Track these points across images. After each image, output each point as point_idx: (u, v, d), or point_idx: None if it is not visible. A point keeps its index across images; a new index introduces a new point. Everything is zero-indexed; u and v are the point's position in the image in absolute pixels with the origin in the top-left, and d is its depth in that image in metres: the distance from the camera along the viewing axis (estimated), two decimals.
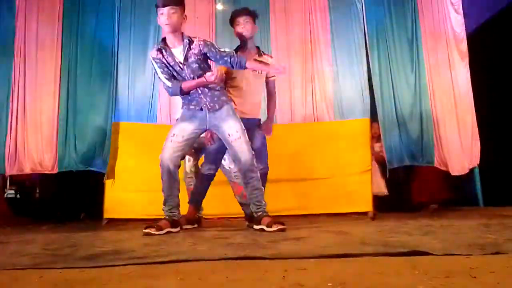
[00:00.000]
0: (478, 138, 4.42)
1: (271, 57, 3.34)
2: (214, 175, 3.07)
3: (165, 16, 2.67)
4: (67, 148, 4.10)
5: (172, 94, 2.88)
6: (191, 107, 2.81)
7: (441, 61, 4.59)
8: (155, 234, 2.52)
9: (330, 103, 4.46)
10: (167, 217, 2.74)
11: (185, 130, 2.76)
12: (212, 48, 2.75)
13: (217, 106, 2.77)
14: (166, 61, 2.75)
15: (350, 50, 4.48)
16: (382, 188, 4.53)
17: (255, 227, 2.67)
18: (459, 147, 4.41)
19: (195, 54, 2.73)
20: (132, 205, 3.96)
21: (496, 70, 4.90)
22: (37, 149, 4.08)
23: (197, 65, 2.75)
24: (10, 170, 4.05)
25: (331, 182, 4.07)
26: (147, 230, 2.54)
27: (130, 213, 3.94)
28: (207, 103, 2.77)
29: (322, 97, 4.48)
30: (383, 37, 4.54)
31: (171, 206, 2.76)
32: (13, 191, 6.38)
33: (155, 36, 4.49)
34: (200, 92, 2.77)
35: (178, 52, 2.74)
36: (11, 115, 4.10)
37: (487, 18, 5.16)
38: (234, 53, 2.79)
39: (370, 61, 4.32)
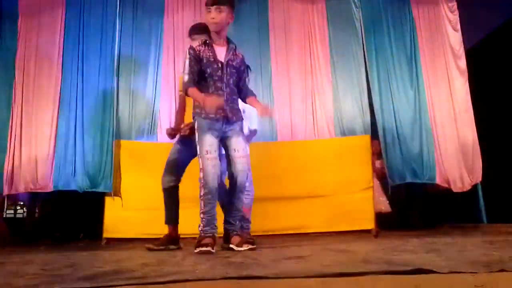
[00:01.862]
0: (480, 155, 4.41)
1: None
2: (177, 187, 3.03)
3: (211, 14, 2.68)
4: (65, 168, 4.08)
5: (183, 90, 2.75)
6: (210, 115, 2.66)
7: (440, 77, 4.63)
8: (212, 252, 2.40)
9: (330, 120, 4.48)
10: (210, 235, 2.57)
11: (213, 143, 2.64)
12: (246, 68, 2.85)
13: (234, 119, 2.73)
14: (205, 56, 2.69)
15: (350, 67, 4.53)
16: (384, 206, 4.49)
17: (225, 245, 2.68)
18: (460, 163, 4.40)
19: (236, 61, 2.77)
20: (132, 224, 3.93)
21: (496, 86, 4.92)
22: (34, 168, 4.07)
23: (234, 71, 2.75)
24: (8, 190, 4.03)
25: (332, 200, 4.05)
26: (199, 250, 2.41)
27: (130, 232, 3.90)
28: (227, 112, 2.68)
29: (322, 114, 4.49)
30: (382, 54, 4.59)
31: (214, 224, 2.62)
32: (12, 211, 6.34)
33: (156, 55, 4.54)
34: (225, 99, 2.68)
35: (220, 52, 2.72)
36: (11, 134, 4.12)
37: (486, 34, 5.23)
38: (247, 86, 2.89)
39: (369, 77, 4.36)
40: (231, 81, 2.74)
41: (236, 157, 2.68)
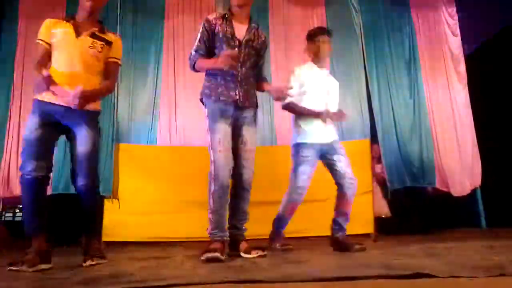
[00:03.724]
0: (479, 159, 4.42)
1: None
2: (46, 178, 2.21)
3: None
4: (64, 170, 4.08)
5: (190, 65, 2.52)
6: (222, 97, 2.40)
7: (439, 82, 4.64)
8: (221, 259, 2.15)
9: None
10: (219, 238, 2.33)
11: (227, 133, 2.38)
12: (265, 52, 2.62)
13: (247, 104, 2.47)
14: (222, 31, 2.42)
15: (349, 72, 4.54)
16: (384, 210, 4.49)
17: (231, 252, 2.39)
18: (460, 168, 4.40)
19: (257, 42, 2.51)
20: (131, 227, 3.93)
21: (495, 91, 4.94)
22: None
23: (254, 52, 2.50)
24: (3, 193, 4.04)
25: (331, 203, 4.03)
26: (206, 256, 2.16)
27: (129, 236, 3.90)
28: (240, 96, 2.42)
29: None
30: (381, 58, 4.60)
31: (223, 226, 2.37)
32: (11, 214, 6.33)
33: (155, 59, 4.55)
34: (239, 78, 2.42)
35: (240, 29, 2.48)
36: (8, 136, 4.12)
37: (485, 39, 5.25)
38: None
39: (369, 82, 4.37)
40: (248, 63, 2.47)
41: (243, 150, 2.43)
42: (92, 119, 2.31)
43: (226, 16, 2.48)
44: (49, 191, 3.97)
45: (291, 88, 2.57)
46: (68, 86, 2.17)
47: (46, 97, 2.20)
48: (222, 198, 2.34)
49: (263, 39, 2.58)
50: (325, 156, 2.82)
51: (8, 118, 4.17)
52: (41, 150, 2.15)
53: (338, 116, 2.93)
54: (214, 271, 1.81)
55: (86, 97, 2.15)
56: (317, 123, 2.78)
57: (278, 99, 2.63)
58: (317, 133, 2.77)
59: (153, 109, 4.43)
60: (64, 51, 2.26)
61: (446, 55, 4.75)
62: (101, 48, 2.33)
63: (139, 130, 4.36)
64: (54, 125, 2.23)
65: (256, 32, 2.53)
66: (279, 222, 2.88)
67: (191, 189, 3.85)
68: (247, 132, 2.45)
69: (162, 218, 3.92)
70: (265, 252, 2.34)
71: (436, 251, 2.31)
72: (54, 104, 2.20)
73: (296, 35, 4.77)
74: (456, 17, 4.88)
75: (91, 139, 2.25)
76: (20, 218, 6.19)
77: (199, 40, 2.48)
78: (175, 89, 4.53)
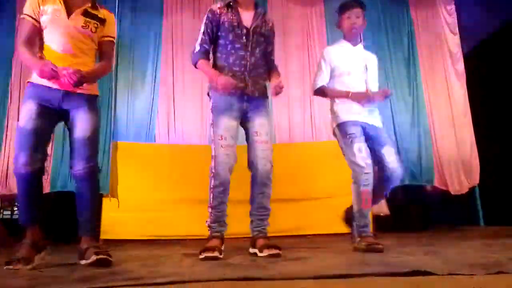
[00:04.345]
0: (478, 157, 4.43)
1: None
2: (42, 170, 2.10)
3: None
4: (62, 167, 4.07)
5: (192, 62, 2.42)
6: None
7: (438, 80, 4.65)
8: (219, 258, 2.11)
9: (328, 122, 4.46)
10: (217, 234, 2.30)
11: (231, 128, 2.30)
12: (273, 38, 2.51)
13: (257, 94, 2.37)
14: (228, 20, 2.35)
15: None
16: (383, 208, 4.49)
17: (250, 250, 2.33)
18: (458, 166, 4.41)
19: (265, 29, 2.42)
20: (130, 225, 3.92)
21: (494, 89, 4.94)
22: None
23: (262, 39, 2.40)
24: (1, 190, 4.03)
25: (330, 202, 4.04)
26: (204, 255, 2.11)
27: (128, 233, 3.89)
28: (249, 85, 2.34)
29: (321, 117, 4.50)
30: (380, 57, 4.58)
31: (222, 221, 2.33)
32: (9, 212, 6.31)
33: (154, 56, 4.54)
34: (247, 67, 2.33)
35: (247, 16, 2.39)
36: (6, 134, 4.11)
37: (484, 38, 5.25)
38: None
39: None
40: (257, 51, 2.39)
41: (256, 141, 2.33)
42: (92, 103, 2.18)
43: (231, 4, 2.39)
44: (47, 189, 3.99)
45: (280, 85, 2.33)
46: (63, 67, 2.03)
47: (43, 80, 2.05)
48: (223, 194, 2.29)
49: (271, 25, 2.49)
50: (374, 144, 2.52)
51: (6, 116, 4.16)
52: (37, 141, 2.03)
53: (380, 96, 2.59)
54: (213, 269, 1.81)
55: (82, 77, 2.04)
56: (355, 105, 2.54)
57: (275, 94, 2.44)
58: (356, 112, 2.52)
59: (152, 107, 4.43)
60: (55, 31, 2.10)
61: (445, 53, 4.76)
62: (95, 28, 2.19)
63: (137, 127, 4.36)
64: (51, 112, 2.08)
65: (263, 18, 2.43)
66: (359, 218, 2.49)
67: (190, 187, 3.85)
68: (259, 123, 2.35)
69: (160, 216, 3.92)
70: (278, 251, 2.16)
71: (435, 248, 2.31)
72: (51, 88, 2.07)
73: (295, 32, 4.77)
74: (454, 16, 4.89)
75: (91, 123, 2.13)
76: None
77: (203, 33, 2.39)
78: (173, 86, 4.52)
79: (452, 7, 4.90)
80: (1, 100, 4.19)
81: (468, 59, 4.83)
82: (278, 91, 2.34)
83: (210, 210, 2.31)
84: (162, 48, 4.58)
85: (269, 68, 2.52)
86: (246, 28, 2.36)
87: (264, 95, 2.43)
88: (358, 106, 2.54)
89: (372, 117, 2.57)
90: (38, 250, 2.04)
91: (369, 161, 2.44)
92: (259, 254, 2.19)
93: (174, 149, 4.29)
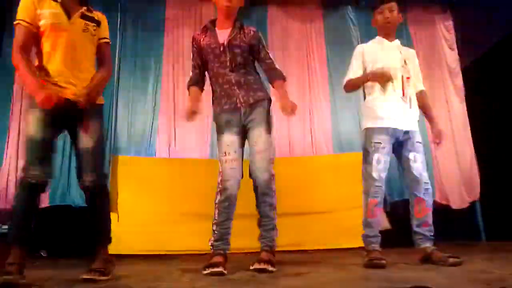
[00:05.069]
0: (478, 172, 4.42)
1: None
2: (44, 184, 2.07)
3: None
4: (61, 180, 4.05)
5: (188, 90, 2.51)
6: (225, 106, 2.38)
7: (437, 95, 4.67)
8: (224, 273, 2.08)
9: (328, 136, 4.50)
10: (221, 252, 2.27)
11: (233, 143, 2.33)
12: (260, 43, 2.46)
13: (251, 100, 2.37)
14: (206, 43, 2.40)
15: None
16: (384, 223, 4.46)
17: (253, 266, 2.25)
18: (458, 180, 4.41)
19: (243, 40, 2.40)
20: (130, 240, 3.88)
21: (494, 103, 4.97)
22: None
23: (239, 51, 2.38)
24: (1, 205, 4.00)
25: (330, 216, 4.03)
26: (210, 271, 2.08)
27: (128, 249, 3.85)
28: (240, 97, 2.36)
29: (320, 131, 4.51)
30: None
31: (226, 239, 2.31)
32: (7, 227, 6.25)
33: (155, 71, 4.58)
34: (233, 82, 2.37)
35: (224, 34, 2.41)
36: (7, 147, 4.11)
37: (482, 53, 5.30)
38: (277, 66, 2.48)
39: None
40: (237, 63, 2.38)
41: (255, 152, 2.32)
42: (97, 112, 2.16)
43: (207, 26, 2.46)
44: (45, 203, 3.97)
45: (288, 108, 2.31)
46: (66, 75, 2.03)
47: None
48: (228, 210, 2.28)
49: (252, 33, 2.44)
50: (400, 149, 2.49)
51: (8, 130, 4.16)
52: (45, 153, 1.98)
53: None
54: (213, 284, 1.80)
55: (91, 98, 2.04)
56: (389, 104, 2.45)
57: (283, 112, 2.38)
58: (386, 115, 2.43)
59: (152, 121, 4.43)
60: (57, 36, 2.03)
61: (443, 68, 4.80)
62: (94, 30, 2.16)
63: (138, 142, 4.36)
64: (56, 121, 2.02)
65: (239, 30, 2.42)
66: (365, 227, 2.47)
67: (190, 201, 3.83)
68: (255, 133, 2.35)
69: (160, 231, 3.89)
70: (267, 267, 2.14)
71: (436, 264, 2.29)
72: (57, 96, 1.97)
73: (294, 48, 4.81)
74: (452, 31, 4.94)
75: (97, 133, 2.09)
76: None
77: (192, 58, 2.50)
78: (174, 101, 4.54)
79: (450, 23, 4.96)
80: (3, 114, 4.20)
81: (467, 73, 4.87)
82: (289, 113, 2.33)
83: (214, 227, 2.29)
84: (164, 62, 4.61)
85: (269, 72, 2.49)
86: (222, 45, 2.38)
87: (260, 101, 2.40)
88: (389, 107, 2.45)
89: (404, 119, 2.47)
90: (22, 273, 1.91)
91: (384, 175, 2.42)
92: (251, 267, 2.18)
93: (174, 163, 4.28)
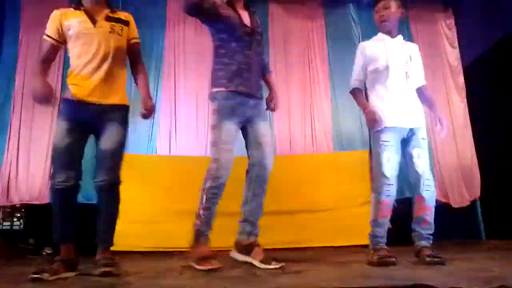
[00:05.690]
0: (478, 170, 4.42)
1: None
2: (76, 188, 2.16)
3: None
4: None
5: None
6: (241, 88, 2.23)
7: (438, 94, 4.67)
8: (220, 267, 2.10)
9: (329, 135, 4.50)
10: (206, 237, 2.29)
11: (233, 133, 2.27)
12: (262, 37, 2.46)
13: (259, 95, 2.36)
14: (228, 16, 2.26)
15: (348, 82, 4.55)
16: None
17: (242, 258, 2.27)
18: (459, 179, 4.41)
19: (260, 28, 2.40)
20: (130, 237, 3.88)
21: (495, 102, 4.96)
22: (30, 179, 4.06)
23: (260, 38, 2.37)
24: (3, 201, 4.02)
25: (330, 214, 4.03)
26: (207, 268, 2.08)
27: (128, 245, 3.86)
28: (253, 87, 2.30)
29: (321, 129, 4.51)
30: None
31: (210, 223, 2.29)
32: (8, 223, 6.27)
33: (156, 69, 4.57)
34: (252, 69, 2.28)
35: (244, 15, 2.35)
36: (7, 146, 4.12)
37: (484, 50, 5.29)
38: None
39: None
40: (258, 50, 2.35)
41: (265, 142, 2.31)
42: (124, 115, 2.23)
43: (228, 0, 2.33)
44: (46, 200, 3.98)
45: (273, 105, 2.44)
46: (93, 80, 2.08)
47: (77, 95, 2.06)
48: (216, 197, 2.24)
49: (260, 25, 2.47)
50: (405, 145, 2.47)
51: (9, 128, 4.17)
52: (72, 159, 2.07)
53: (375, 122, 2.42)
54: (213, 281, 1.80)
55: (153, 105, 2.24)
56: (394, 104, 2.44)
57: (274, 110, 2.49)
58: (395, 115, 2.42)
59: (153, 119, 4.43)
60: (86, 43, 2.10)
61: (445, 67, 4.79)
62: (121, 30, 2.21)
63: (138, 139, 4.36)
64: (83, 127, 2.10)
65: (254, 17, 2.41)
66: (374, 227, 2.48)
67: (190, 198, 3.80)
68: (264, 124, 2.35)
69: (161, 228, 3.90)
70: (282, 264, 2.13)
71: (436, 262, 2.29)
72: (87, 103, 2.07)
73: (296, 47, 4.81)
74: (454, 30, 4.93)
75: (119, 136, 2.14)
76: (18, 227, 6.14)
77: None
78: (175, 98, 4.54)
79: (451, 21, 4.95)
80: (3, 112, 4.20)
81: (468, 71, 4.86)
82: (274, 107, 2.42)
83: (202, 211, 2.25)
84: (164, 60, 4.61)
85: (264, 69, 2.49)
86: (249, 27, 2.31)
87: (262, 97, 2.41)
88: (396, 106, 2.45)
89: (409, 116, 2.47)
90: (70, 268, 2.02)
91: (395, 173, 2.42)
92: (263, 267, 2.12)
93: (175, 160, 4.28)
